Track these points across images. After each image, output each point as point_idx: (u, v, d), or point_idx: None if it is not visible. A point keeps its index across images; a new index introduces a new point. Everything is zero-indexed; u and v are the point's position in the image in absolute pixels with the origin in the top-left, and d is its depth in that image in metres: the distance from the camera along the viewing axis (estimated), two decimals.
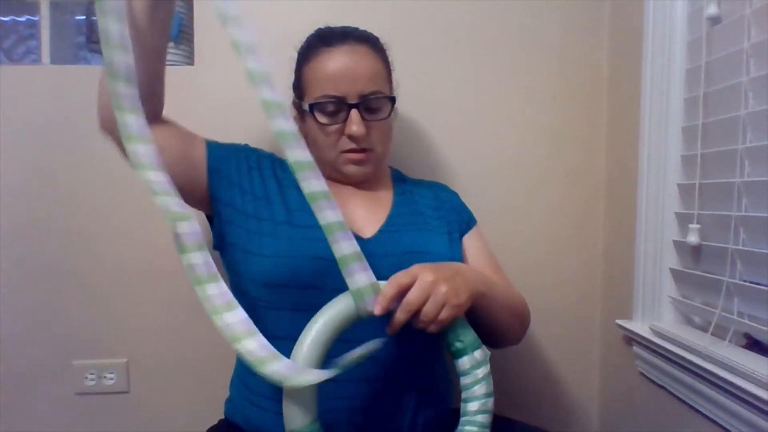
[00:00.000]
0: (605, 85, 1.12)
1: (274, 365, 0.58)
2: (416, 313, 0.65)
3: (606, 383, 1.15)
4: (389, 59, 0.87)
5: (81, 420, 1.07)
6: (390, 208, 0.87)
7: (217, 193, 0.81)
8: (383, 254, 0.75)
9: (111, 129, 0.72)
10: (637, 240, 0.97)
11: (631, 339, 1.00)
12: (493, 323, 0.79)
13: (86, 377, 1.06)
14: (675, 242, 0.92)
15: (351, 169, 0.84)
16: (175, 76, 1.03)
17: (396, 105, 0.85)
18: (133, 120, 0.57)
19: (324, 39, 0.82)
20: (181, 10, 1.05)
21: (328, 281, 0.73)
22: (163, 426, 1.07)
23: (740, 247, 0.76)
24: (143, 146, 0.57)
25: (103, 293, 1.05)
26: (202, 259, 0.57)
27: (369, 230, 0.82)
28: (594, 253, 1.15)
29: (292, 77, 0.87)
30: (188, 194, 0.73)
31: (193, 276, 0.57)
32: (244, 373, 0.83)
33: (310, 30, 0.86)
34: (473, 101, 1.10)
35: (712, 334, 0.80)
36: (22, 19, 1.21)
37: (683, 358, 0.82)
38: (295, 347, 0.62)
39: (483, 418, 0.66)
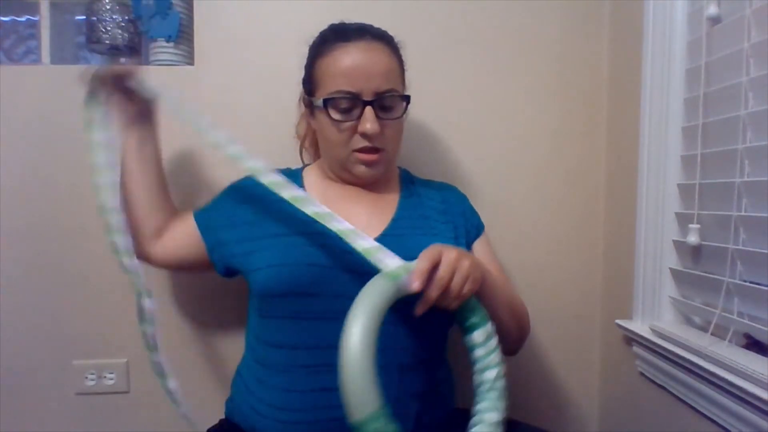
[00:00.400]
0: (605, 85, 1.12)
1: None
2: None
3: (606, 383, 1.15)
4: (403, 58, 0.85)
5: (81, 420, 1.07)
6: (395, 211, 0.86)
7: (215, 246, 0.85)
8: None
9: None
10: (637, 240, 0.97)
11: (631, 339, 1.00)
12: (492, 317, 0.78)
13: (86, 377, 1.06)
14: (675, 242, 0.92)
15: (361, 169, 0.82)
16: (174, 76, 1.04)
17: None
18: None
19: (340, 34, 0.80)
20: (181, 10, 1.05)
21: (326, 288, 0.73)
22: (163, 426, 1.07)
23: (740, 247, 0.76)
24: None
25: (103, 293, 1.05)
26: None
27: (372, 233, 0.80)
28: (594, 253, 1.15)
29: (290, 77, 0.87)
30: (203, 264, 0.87)
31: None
32: (248, 377, 0.83)
33: (310, 29, 0.85)
34: (473, 101, 1.10)
35: (712, 334, 0.80)
36: (22, 19, 1.21)
37: (683, 358, 0.82)
38: (344, 334, 0.58)
39: (501, 384, 0.69)
